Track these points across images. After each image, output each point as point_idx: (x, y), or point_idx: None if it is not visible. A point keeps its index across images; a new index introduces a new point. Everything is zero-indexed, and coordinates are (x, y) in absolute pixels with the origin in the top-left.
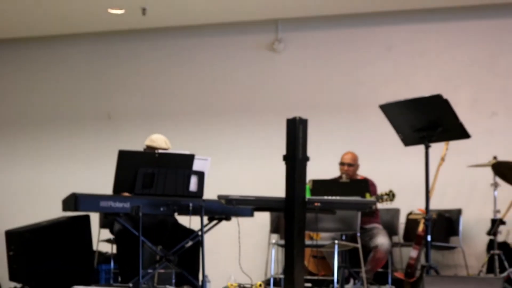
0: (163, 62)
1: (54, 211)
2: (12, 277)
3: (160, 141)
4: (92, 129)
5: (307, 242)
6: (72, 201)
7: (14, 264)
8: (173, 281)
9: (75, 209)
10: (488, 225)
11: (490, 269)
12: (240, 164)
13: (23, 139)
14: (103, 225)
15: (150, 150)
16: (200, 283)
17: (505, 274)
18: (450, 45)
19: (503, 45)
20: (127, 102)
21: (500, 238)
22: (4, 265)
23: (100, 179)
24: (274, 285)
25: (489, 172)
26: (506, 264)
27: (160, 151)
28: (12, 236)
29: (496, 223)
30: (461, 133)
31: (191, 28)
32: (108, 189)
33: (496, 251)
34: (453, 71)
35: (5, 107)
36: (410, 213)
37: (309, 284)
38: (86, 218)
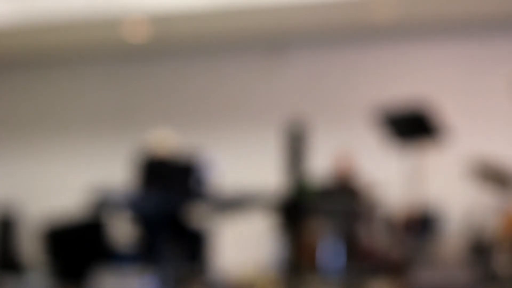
0: (174, 76)
1: (77, 203)
2: (42, 261)
3: (165, 138)
4: (111, 132)
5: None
6: (95, 195)
7: (43, 248)
8: (183, 266)
9: (98, 203)
10: (464, 218)
11: (467, 256)
12: (241, 163)
13: (57, 138)
14: (122, 216)
15: (158, 151)
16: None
17: (479, 261)
18: (430, 62)
19: (476, 62)
20: (143, 111)
21: (474, 229)
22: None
23: (114, 180)
24: (277, 273)
25: (466, 172)
26: (480, 253)
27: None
28: (42, 224)
29: (472, 217)
30: (441, 137)
31: (198, 47)
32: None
33: (473, 243)
34: (436, 82)
35: (47, 114)
36: None
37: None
38: (105, 211)
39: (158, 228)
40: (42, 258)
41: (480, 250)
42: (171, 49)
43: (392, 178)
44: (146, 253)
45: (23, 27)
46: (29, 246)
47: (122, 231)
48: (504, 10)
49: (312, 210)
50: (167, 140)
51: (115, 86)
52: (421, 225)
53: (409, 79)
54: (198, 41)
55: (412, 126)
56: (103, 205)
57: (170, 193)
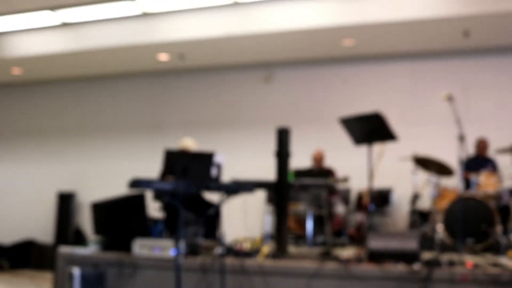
0: (194, 91)
1: (121, 190)
2: (96, 232)
3: (189, 143)
4: (146, 136)
5: (291, 209)
6: (135, 182)
7: (96, 224)
8: (201, 236)
9: (137, 187)
10: (409, 198)
11: (411, 226)
12: (244, 158)
13: (105, 141)
14: (154, 198)
15: (183, 150)
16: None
17: (420, 229)
18: (382, 82)
19: (420, 79)
20: (170, 118)
21: (416, 206)
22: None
23: (150, 171)
24: (269, 238)
25: (410, 163)
26: (420, 223)
27: (190, 150)
28: (96, 206)
29: (415, 197)
30: (392, 137)
31: (212, 68)
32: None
33: (415, 215)
34: (387, 96)
35: (96, 122)
36: (359, 191)
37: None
38: (143, 195)
39: (182, 206)
40: (94, 229)
41: (421, 219)
42: (191, 70)
43: (356, 167)
44: (173, 226)
45: (76, 52)
46: (85, 221)
47: (155, 208)
48: (439, 45)
49: (295, 186)
50: (190, 144)
51: (148, 99)
52: (377, 202)
53: (367, 94)
54: (211, 65)
55: (369, 130)
56: (141, 189)
57: (192, 180)
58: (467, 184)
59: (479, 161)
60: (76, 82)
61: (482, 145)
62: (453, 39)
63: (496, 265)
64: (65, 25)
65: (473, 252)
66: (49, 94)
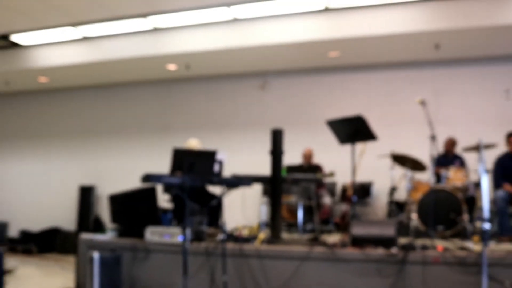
0: (199, 97)
1: (135, 183)
2: (113, 221)
3: (194, 143)
4: (157, 136)
5: (284, 201)
6: (147, 177)
7: (113, 213)
8: (205, 224)
9: (149, 182)
10: (387, 190)
11: (389, 215)
12: (243, 156)
13: (120, 141)
14: (164, 191)
15: (189, 149)
16: (220, 225)
17: (397, 218)
18: (363, 88)
19: (397, 86)
20: (177, 121)
21: (394, 198)
22: (107, 214)
23: (160, 167)
24: (265, 226)
25: (388, 160)
26: (397, 213)
27: (195, 149)
28: (112, 198)
29: (392, 189)
30: (372, 137)
31: (214, 77)
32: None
33: (392, 206)
34: (367, 101)
35: (113, 124)
36: (344, 184)
37: (284, 224)
38: (154, 188)
39: (188, 198)
40: (111, 218)
41: (398, 209)
42: (196, 78)
43: (341, 163)
44: (180, 215)
45: (95, 62)
46: (103, 211)
47: (165, 200)
48: (414, 56)
49: (288, 180)
50: (195, 144)
51: (158, 104)
52: (360, 194)
53: (350, 99)
54: (214, 74)
55: (352, 131)
56: (152, 183)
57: (197, 175)
58: (438, 178)
59: (448, 158)
60: (95, 89)
61: (450, 143)
62: (426, 51)
63: (463, 248)
64: (85, 39)
65: (443, 237)
66: (72, 100)
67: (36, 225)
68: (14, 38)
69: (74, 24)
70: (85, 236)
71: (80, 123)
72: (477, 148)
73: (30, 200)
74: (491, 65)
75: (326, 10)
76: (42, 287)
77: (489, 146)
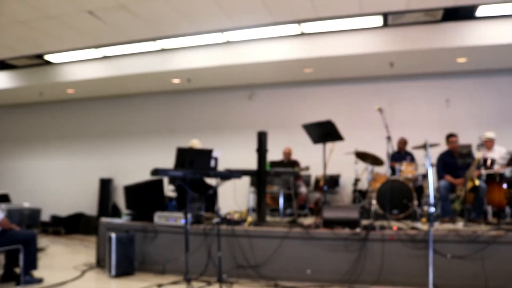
0: (199, 105)
1: (146, 176)
2: (127, 207)
3: (196, 142)
4: (164, 137)
5: (268, 190)
6: (156, 171)
7: (127, 201)
8: (203, 209)
9: (157, 175)
10: (352, 181)
11: (354, 201)
12: (234, 154)
13: (132, 142)
14: (169, 182)
15: (191, 147)
16: (215, 210)
17: (360, 204)
18: (333, 98)
19: (359, 96)
20: (181, 125)
21: (357, 187)
22: (123, 202)
23: (166, 163)
24: (252, 211)
25: (353, 156)
26: (360, 199)
27: (195, 148)
28: (127, 188)
29: (356, 180)
30: (340, 138)
31: (211, 88)
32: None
33: (356, 194)
34: (336, 109)
35: (127, 128)
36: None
37: (268, 209)
38: (161, 180)
39: (189, 188)
40: (126, 205)
41: (361, 196)
42: (196, 90)
43: (314, 159)
44: (183, 202)
45: (113, 77)
46: (120, 199)
47: (170, 190)
48: (373, 72)
49: (271, 174)
50: (196, 143)
51: (165, 111)
52: (330, 184)
53: (321, 107)
54: (210, 87)
55: (324, 133)
56: (159, 176)
57: (196, 169)
58: (393, 171)
59: (401, 155)
60: (113, 99)
61: (402, 143)
62: (382, 68)
63: (413, 228)
64: (105, 58)
65: (397, 219)
66: (94, 108)
67: (64, 211)
68: (47, 57)
69: (96, 46)
70: (105, 220)
71: (101, 127)
72: (424, 146)
73: (59, 190)
74: (434, 80)
75: (302, 34)
76: (69, 262)
77: (433, 145)
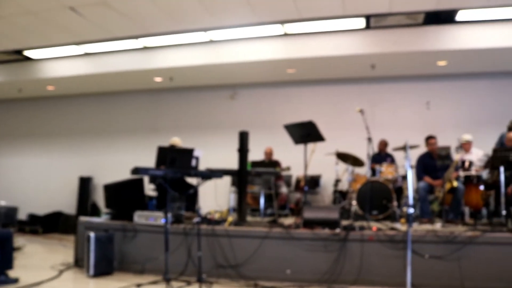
0: (181, 104)
1: (126, 175)
2: (107, 206)
3: (177, 140)
4: (145, 136)
5: (249, 190)
6: (136, 170)
7: (107, 200)
8: (184, 209)
9: (137, 174)
10: (333, 182)
11: (334, 202)
12: (215, 153)
13: (114, 140)
14: (150, 181)
15: (172, 147)
16: (196, 209)
17: (340, 204)
18: (314, 99)
19: (341, 97)
20: (162, 123)
21: (338, 188)
22: (102, 200)
23: (147, 161)
24: (233, 211)
25: (334, 157)
26: (340, 200)
27: (176, 147)
28: (107, 187)
29: (336, 181)
30: (321, 138)
31: (193, 87)
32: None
33: (337, 194)
34: (317, 109)
35: (109, 126)
36: (298, 177)
37: (249, 209)
38: (142, 179)
39: (169, 187)
40: (105, 203)
41: (341, 197)
42: (178, 89)
43: (295, 159)
44: (163, 201)
45: (94, 74)
46: (99, 198)
47: (150, 189)
48: (355, 74)
49: (252, 173)
50: (177, 141)
51: (147, 109)
52: (310, 184)
53: (303, 108)
54: (193, 85)
55: (305, 133)
56: (140, 175)
57: (177, 168)
58: (373, 172)
59: (381, 156)
60: (94, 96)
61: (383, 144)
62: (364, 70)
63: (392, 229)
64: (86, 54)
65: (377, 220)
66: (74, 105)
67: (42, 209)
68: (27, 53)
69: (77, 43)
70: (84, 219)
71: (81, 125)
72: (404, 148)
73: (37, 188)
74: (415, 82)
75: (285, 35)
76: (46, 261)
77: (413, 147)
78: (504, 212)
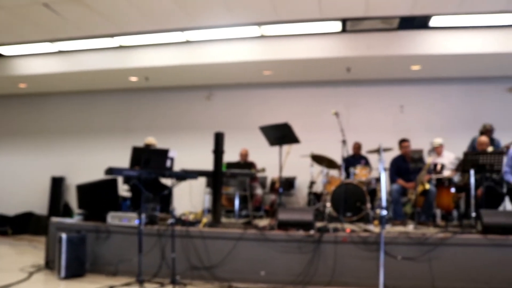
0: (156, 104)
1: (100, 175)
2: (79, 207)
3: (152, 139)
4: (119, 136)
5: (224, 191)
6: (110, 170)
7: (80, 200)
8: (158, 210)
9: (111, 174)
10: (307, 184)
11: (308, 204)
12: (190, 154)
13: (88, 140)
14: (124, 182)
15: (147, 146)
16: (170, 210)
17: (315, 206)
18: (290, 101)
19: (316, 100)
20: (137, 124)
21: (312, 190)
22: (75, 201)
23: (121, 162)
24: (207, 212)
25: (308, 159)
26: (315, 202)
27: (152, 147)
28: (80, 187)
29: (311, 183)
30: (296, 140)
31: (169, 88)
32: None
33: (311, 196)
34: (293, 111)
35: (82, 126)
36: (272, 179)
37: (223, 210)
38: (115, 179)
39: (144, 188)
40: (78, 204)
41: (315, 199)
42: (154, 89)
43: (271, 161)
44: (137, 202)
45: (68, 72)
46: (72, 198)
47: (124, 189)
48: (330, 77)
49: (227, 175)
50: (152, 140)
51: (121, 109)
52: (285, 186)
53: (279, 110)
54: (168, 86)
55: (280, 135)
56: (114, 175)
57: (152, 169)
58: (348, 174)
59: (355, 158)
60: (67, 95)
61: (357, 147)
62: (339, 73)
63: (366, 230)
64: (60, 52)
65: (351, 221)
66: (47, 104)
67: (12, 209)
68: None
69: (51, 40)
70: (55, 219)
71: (54, 124)
72: (377, 151)
73: (7, 188)
74: (390, 86)
75: (262, 37)
76: (15, 263)
77: (387, 150)
78: (473, 214)
